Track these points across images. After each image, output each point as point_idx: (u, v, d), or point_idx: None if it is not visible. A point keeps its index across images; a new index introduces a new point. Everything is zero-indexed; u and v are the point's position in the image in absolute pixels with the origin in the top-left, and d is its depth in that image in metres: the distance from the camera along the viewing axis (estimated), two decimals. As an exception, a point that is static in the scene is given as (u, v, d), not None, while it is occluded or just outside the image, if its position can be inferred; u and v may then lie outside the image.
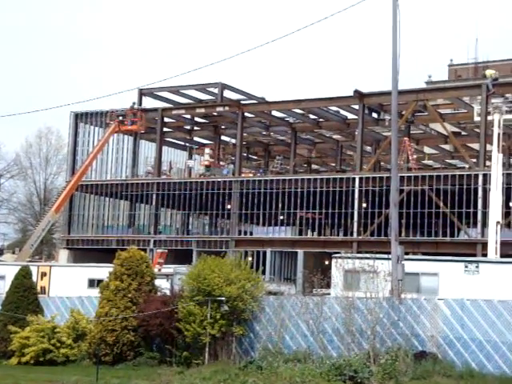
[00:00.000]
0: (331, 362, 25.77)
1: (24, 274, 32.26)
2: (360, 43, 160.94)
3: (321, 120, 57.48)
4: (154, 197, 54.78)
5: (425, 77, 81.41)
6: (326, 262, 40.15)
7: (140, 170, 59.84)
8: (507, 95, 46.25)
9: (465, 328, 25.97)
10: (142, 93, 58.29)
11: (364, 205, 47.91)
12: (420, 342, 26.48)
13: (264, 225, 52.25)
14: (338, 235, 51.65)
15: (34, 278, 35.38)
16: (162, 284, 33.15)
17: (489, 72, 44.67)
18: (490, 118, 42.06)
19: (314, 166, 68.89)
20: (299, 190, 49.59)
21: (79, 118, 58.76)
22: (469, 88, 50.06)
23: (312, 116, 57.12)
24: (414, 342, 26.41)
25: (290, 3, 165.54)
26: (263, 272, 39.18)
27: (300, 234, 50.98)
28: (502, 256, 36.78)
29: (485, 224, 41.34)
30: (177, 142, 65.34)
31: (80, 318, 30.94)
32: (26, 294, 31.69)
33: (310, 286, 31.84)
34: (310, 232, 52.23)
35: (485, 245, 38.92)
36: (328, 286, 32.18)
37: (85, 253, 55.34)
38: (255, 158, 68.88)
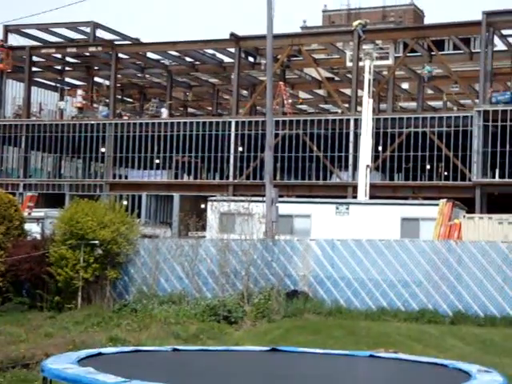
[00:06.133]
0: (206, 303, 26.05)
1: None
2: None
3: (197, 63, 56.86)
4: (24, 139, 52.68)
5: (300, 22, 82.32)
6: (202, 206, 40.30)
7: (7, 112, 57.20)
8: (377, 42, 47.60)
9: (335, 267, 26.87)
10: (8, 29, 55.29)
11: (240, 149, 48.18)
12: (292, 281, 27.20)
13: (139, 168, 51.58)
14: (214, 179, 51.89)
15: None
16: (33, 228, 32.20)
17: (356, 23, 45.67)
18: (361, 63, 43.09)
19: (190, 110, 68.38)
20: (175, 133, 49.12)
21: None
22: (341, 34, 50.89)
23: (188, 59, 56.38)
24: (286, 282, 27.08)
25: None
26: (138, 215, 38.86)
27: (176, 177, 50.73)
28: (371, 198, 38.21)
29: (355, 167, 42.69)
30: (47, 82, 62.80)
31: None
32: None
33: (186, 229, 31.91)
34: (186, 176, 52.08)
35: (355, 187, 40.25)
36: (204, 228, 32.38)
37: (-51, 198, 52.66)
38: (130, 100, 67.47)
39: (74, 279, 27.62)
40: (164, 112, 53.57)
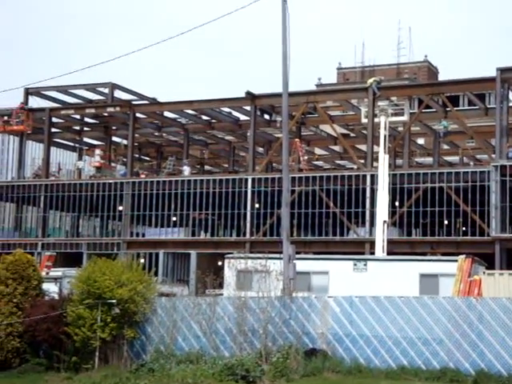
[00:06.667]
0: (223, 362, 25.80)
1: None
2: (251, 45, 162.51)
3: (213, 121, 57.49)
4: (42, 199, 53.11)
5: (315, 79, 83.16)
6: (219, 263, 40.17)
7: (27, 172, 57.88)
8: (392, 98, 48.01)
9: (353, 324, 26.58)
10: (29, 92, 56.36)
11: (256, 205, 48.26)
12: (311, 339, 26.91)
13: (156, 226, 51.69)
14: (230, 236, 51.81)
15: None
16: (51, 288, 32.20)
17: (370, 80, 46.23)
18: (376, 120, 43.37)
19: (206, 167, 68.85)
20: (192, 191, 49.36)
21: (-40, 117, 56.13)
22: (356, 91, 51.33)
23: (204, 117, 57.05)
24: (304, 340, 26.81)
25: (182, 3, 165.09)
26: (155, 273, 38.75)
27: (193, 235, 50.74)
28: (388, 254, 37.94)
29: (373, 223, 42.52)
30: (66, 142, 63.62)
31: (-38, 325, 29.54)
32: None
33: (203, 286, 31.79)
34: (202, 233, 52.08)
35: (373, 243, 40.02)
36: (221, 286, 32.21)
37: (-32, 258, 52.89)
38: (147, 158, 68.12)
39: (91, 339, 27.49)
40: (186, 170, 53.96)
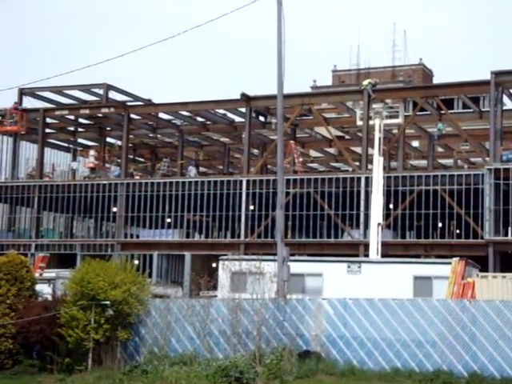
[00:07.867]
0: (217, 364, 25.78)
1: None
2: (247, 47, 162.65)
3: (208, 123, 57.49)
4: (36, 199, 53.01)
5: (310, 82, 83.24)
6: (214, 265, 40.17)
7: (21, 173, 57.76)
8: (387, 101, 48.07)
9: (347, 326, 26.61)
10: (23, 92, 56.28)
11: (251, 207, 48.24)
12: (304, 341, 26.93)
13: (151, 228, 51.62)
14: (225, 237, 51.78)
15: None
16: (44, 289, 32.17)
17: (365, 82, 46.25)
18: (371, 122, 43.42)
19: (201, 169, 68.80)
20: (186, 192, 49.33)
21: (-45, 117, 55.96)
22: (351, 93, 51.41)
23: (199, 118, 57.03)
24: (298, 342, 26.83)
25: (178, 4, 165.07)
26: (149, 275, 38.75)
27: (187, 236, 50.69)
28: (382, 256, 37.97)
29: (367, 225, 42.54)
30: (60, 143, 63.51)
31: (-46, 326, 29.42)
32: None
33: (197, 288, 31.77)
34: (197, 235, 52.04)
35: (367, 245, 40.06)
36: (215, 288, 32.20)
37: (-39, 258, 52.70)
38: (142, 160, 68.07)
39: (84, 340, 27.44)
40: (192, 170, 53.77)
